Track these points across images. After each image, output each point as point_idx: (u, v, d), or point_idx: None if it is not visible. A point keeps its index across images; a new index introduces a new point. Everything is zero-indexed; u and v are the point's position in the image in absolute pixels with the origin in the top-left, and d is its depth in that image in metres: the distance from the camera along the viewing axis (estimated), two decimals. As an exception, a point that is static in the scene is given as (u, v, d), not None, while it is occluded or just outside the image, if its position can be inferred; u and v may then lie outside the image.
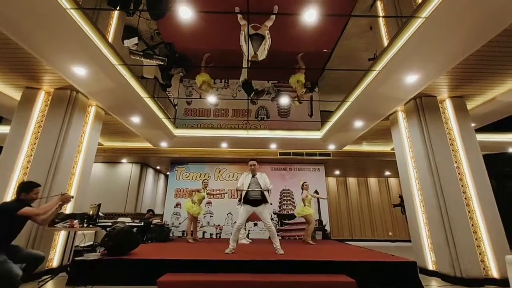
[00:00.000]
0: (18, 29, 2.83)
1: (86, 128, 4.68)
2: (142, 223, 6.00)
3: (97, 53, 3.33)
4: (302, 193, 6.08)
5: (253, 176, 4.24)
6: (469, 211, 3.89)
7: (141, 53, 5.76)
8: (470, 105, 4.71)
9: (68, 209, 4.21)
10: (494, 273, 3.60)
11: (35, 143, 4.05)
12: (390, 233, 9.67)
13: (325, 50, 6.79)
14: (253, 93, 5.36)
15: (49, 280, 3.39)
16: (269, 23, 4.57)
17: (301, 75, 5.29)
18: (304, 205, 5.98)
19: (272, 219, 7.70)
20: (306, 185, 6.08)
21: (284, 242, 6.73)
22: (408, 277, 3.34)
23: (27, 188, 2.90)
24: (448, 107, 4.48)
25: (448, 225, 3.86)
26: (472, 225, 3.83)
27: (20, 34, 2.90)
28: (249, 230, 7.43)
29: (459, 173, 4.08)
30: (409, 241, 4.91)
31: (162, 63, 5.89)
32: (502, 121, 5.60)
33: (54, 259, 3.96)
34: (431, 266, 4.09)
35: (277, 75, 8.18)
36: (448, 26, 2.72)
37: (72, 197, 3.11)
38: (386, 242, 9.30)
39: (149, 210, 6.91)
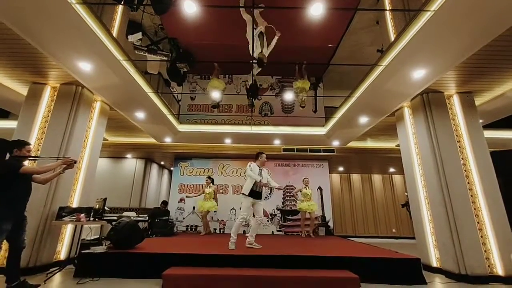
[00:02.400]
0: (24, 24, 2.84)
1: (91, 123, 4.72)
2: (147, 218, 6.07)
3: (102, 48, 3.33)
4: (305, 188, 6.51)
5: (260, 169, 4.29)
6: (475, 209, 3.85)
7: (145, 49, 5.76)
8: (478, 101, 4.62)
9: (74, 203, 4.28)
10: (499, 271, 3.58)
11: (42, 138, 4.10)
12: (394, 230, 9.64)
13: (330, 45, 6.71)
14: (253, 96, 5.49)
15: (57, 272, 3.47)
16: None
17: (306, 82, 5.39)
18: (310, 200, 6.39)
19: (275, 215, 7.74)
20: (306, 181, 6.67)
21: (288, 237, 6.76)
22: (411, 273, 3.34)
23: (19, 145, 2.94)
24: (456, 103, 4.41)
25: (453, 222, 3.83)
26: (478, 222, 3.79)
27: (26, 29, 2.92)
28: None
29: (465, 170, 4.03)
30: (413, 238, 4.89)
31: (166, 59, 5.89)
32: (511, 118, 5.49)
33: (62, 252, 4.04)
34: (435, 263, 4.08)
35: (281, 70, 8.12)
36: (458, 20, 2.66)
37: (75, 161, 3.07)
38: (389, 238, 9.29)
39: (163, 202, 7.07)
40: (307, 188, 6.61)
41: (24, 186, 2.85)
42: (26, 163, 2.99)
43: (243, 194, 4.10)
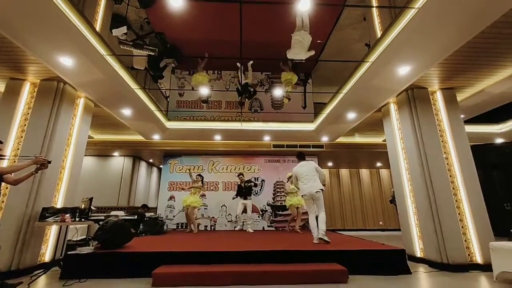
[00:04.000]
0: (-2, 17, 2.69)
1: (75, 121, 4.56)
2: (136, 216, 5.98)
3: (84, 42, 3.21)
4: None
5: None
6: (456, 200, 4.01)
7: (131, 43, 5.58)
8: (459, 96, 4.78)
9: (59, 203, 4.14)
10: (478, 259, 3.76)
11: (21, 136, 3.93)
12: (381, 223, 9.94)
13: (318, 41, 6.73)
14: (244, 95, 5.53)
15: (41, 275, 3.36)
16: None
17: (294, 75, 5.38)
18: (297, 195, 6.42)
19: (266, 211, 7.80)
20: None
21: (278, 232, 6.85)
22: (397, 264, 3.46)
23: None
24: (439, 99, 4.55)
25: (436, 213, 3.98)
26: (459, 213, 3.96)
27: (1, 22, 2.76)
28: (243, 221, 7.51)
29: (447, 164, 4.19)
30: (399, 230, 5.05)
31: (153, 54, 5.74)
32: (491, 112, 5.72)
33: (46, 254, 3.92)
34: (419, 253, 4.24)
35: (270, 66, 8.09)
36: (441, 17, 2.73)
37: (49, 161, 2.90)
38: (376, 231, 9.56)
39: (143, 205, 6.87)
40: (291, 184, 6.64)
41: None
42: (6, 163, 2.84)
43: (321, 190, 4.24)
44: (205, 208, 7.70)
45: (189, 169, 7.23)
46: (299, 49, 4.28)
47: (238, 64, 5.64)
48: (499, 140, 7.47)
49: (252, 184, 6.98)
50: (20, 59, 3.71)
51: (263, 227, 7.66)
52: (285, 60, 5.65)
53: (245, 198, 6.66)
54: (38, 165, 2.85)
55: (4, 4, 2.52)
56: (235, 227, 7.06)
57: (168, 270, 3.05)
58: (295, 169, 4.62)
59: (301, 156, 4.86)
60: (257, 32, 6.04)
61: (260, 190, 7.98)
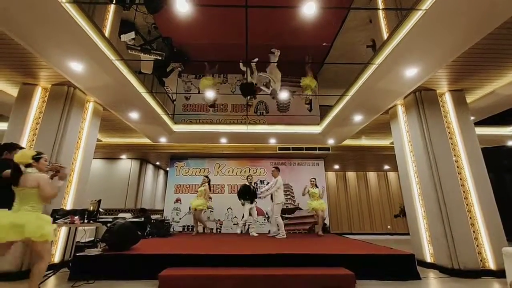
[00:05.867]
0: (12, 24, 2.78)
1: (84, 124, 4.66)
2: (143, 219, 6.04)
3: (94, 48, 3.28)
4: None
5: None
6: (467, 204, 3.92)
7: (139, 48, 5.70)
8: (469, 98, 4.70)
9: (68, 205, 4.22)
10: (491, 265, 3.65)
11: (33, 140, 4.03)
12: (389, 227, 9.76)
13: (324, 44, 6.73)
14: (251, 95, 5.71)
15: (51, 276, 3.41)
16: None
17: (312, 80, 5.45)
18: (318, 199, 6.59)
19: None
20: (313, 181, 6.78)
21: (284, 236, 6.78)
22: (406, 269, 3.39)
23: (10, 147, 2.80)
24: (448, 101, 4.47)
25: (446, 218, 3.89)
26: (470, 217, 3.86)
27: (15, 29, 2.86)
28: (248, 225, 7.49)
29: (457, 167, 4.10)
30: (408, 234, 4.95)
31: (160, 58, 5.85)
32: (502, 114, 5.59)
33: (56, 255, 3.98)
34: (429, 259, 4.14)
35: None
36: (448, 19, 2.69)
37: (63, 167, 2.86)
38: (384, 235, 9.39)
39: (141, 209, 6.93)
40: (314, 187, 6.61)
41: (8, 192, 2.67)
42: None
43: None
44: (211, 211, 7.72)
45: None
46: (278, 83, 5.34)
47: (242, 66, 5.69)
48: (510, 143, 7.27)
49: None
50: (32, 65, 3.83)
51: (269, 230, 7.61)
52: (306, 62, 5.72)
53: (252, 202, 6.48)
54: (53, 172, 2.90)
55: (16, 10, 2.61)
56: (241, 231, 6.84)
57: (174, 273, 3.06)
58: (281, 180, 5.84)
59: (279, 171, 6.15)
60: (263, 36, 6.07)
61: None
